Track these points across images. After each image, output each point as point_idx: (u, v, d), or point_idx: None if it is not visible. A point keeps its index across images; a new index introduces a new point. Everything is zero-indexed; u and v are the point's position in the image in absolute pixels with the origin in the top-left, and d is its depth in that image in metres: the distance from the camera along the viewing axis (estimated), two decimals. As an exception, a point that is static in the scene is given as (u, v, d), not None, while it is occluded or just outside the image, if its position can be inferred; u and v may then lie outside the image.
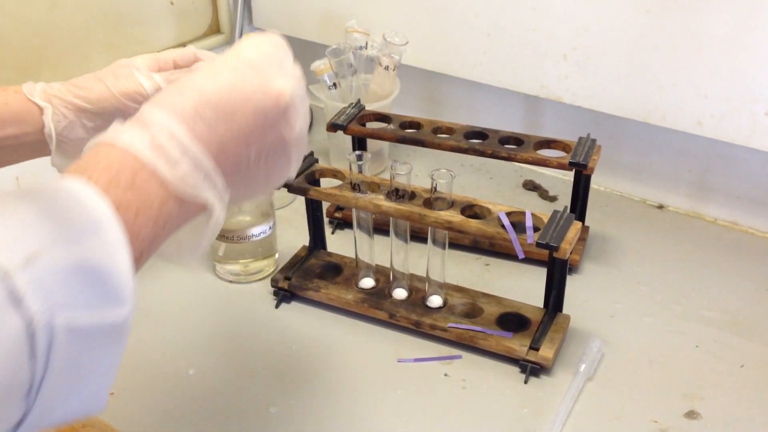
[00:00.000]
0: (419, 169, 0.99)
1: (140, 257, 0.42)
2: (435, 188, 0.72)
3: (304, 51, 1.17)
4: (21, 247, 0.35)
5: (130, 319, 0.40)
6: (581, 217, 0.86)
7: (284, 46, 0.51)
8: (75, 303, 0.36)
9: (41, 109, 0.61)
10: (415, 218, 0.72)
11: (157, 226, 0.43)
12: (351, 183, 0.76)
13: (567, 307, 0.76)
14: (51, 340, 0.35)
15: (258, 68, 0.47)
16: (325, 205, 0.89)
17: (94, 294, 0.37)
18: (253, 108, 0.46)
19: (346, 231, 0.93)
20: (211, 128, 0.45)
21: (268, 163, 0.49)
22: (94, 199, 0.39)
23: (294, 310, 0.81)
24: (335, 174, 0.80)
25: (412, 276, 0.80)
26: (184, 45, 1.16)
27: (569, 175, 0.95)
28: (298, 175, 0.79)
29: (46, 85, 0.62)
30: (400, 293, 0.79)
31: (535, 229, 0.70)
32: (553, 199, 0.99)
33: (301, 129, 0.50)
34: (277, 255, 0.88)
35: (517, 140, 0.86)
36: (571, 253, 0.69)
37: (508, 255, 0.88)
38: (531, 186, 1.02)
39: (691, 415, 0.68)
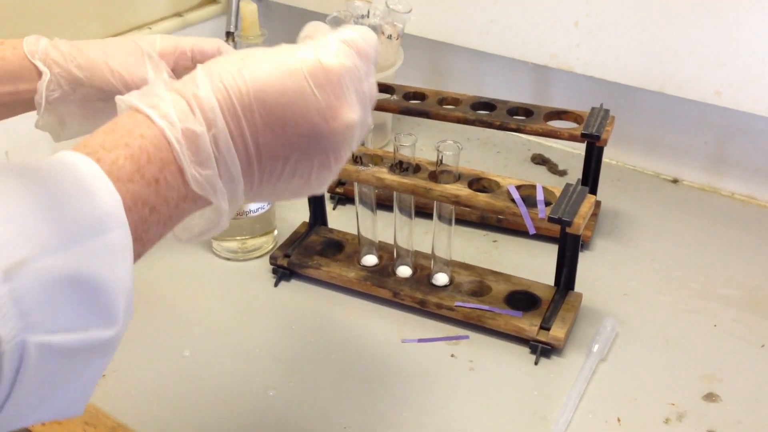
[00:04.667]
0: (423, 142, 0.95)
1: (140, 256, 0.39)
2: (441, 161, 0.69)
3: (304, 20, 1.13)
4: (5, 254, 0.31)
5: (120, 336, 0.36)
6: (593, 192, 0.83)
7: (371, 53, 0.44)
8: (56, 321, 0.33)
9: (40, 71, 0.56)
10: (420, 192, 0.69)
11: (167, 225, 0.40)
12: (353, 156, 0.72)
13: (579, 285, 0.73)
14: (20, 361, 0.31)
15: (332, 87, 0.41)
16: (326, 180, 0.86)
17: (82, 311, 0.34)
18: (308, 130, 0.41)
19: (348, 206, 0.90)
20: (254, 132, 0.40)
21: (302, 178, 0.44)
22: (107, 195, 0.35)
23: (294, 288, 0.78)
24: (336, 146, 0.76)
25: (416, 253, 0.77)
26: (180, 15, 1.13)
27: (579, 149, 0.92)
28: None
29: (50, 45, 0.57)
30: (404, 271, 0.76)
31: (547, 203, 0.67)
32: (562, 173, 0.96)
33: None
34: (275, 231, 0.85)
35: (527, 111, 0.82)
36: (582, 230, 0.66)
37: (517, 231, 0.84)
38: (540, 160, 0.98)
39: (710, 397, 0.65)
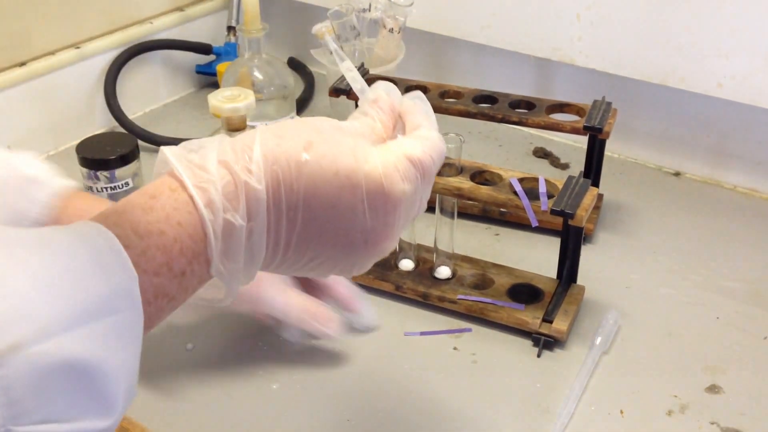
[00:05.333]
0: (425, 136, 0.96)
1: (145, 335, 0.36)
2: (443, 153, 0.69)
3: (305, 14, 1.13)
4: (3, 334, 0.28)
5: (117, 424, 0.33)
6: (595, 185, 0.83)
7: (435, 172, 0.42)
8: (47, 411, 0.29)
9: None
10: (422, 185, 0.69)
11: (176, 307, 0.37)
12: (355, 149, 0.72)
13: (581, 278, 0.73)
14: None
15: (385, 213, 0.39)
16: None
17: (77, 400, 0.30)
18: (344, 244, 0.39)
19: (350, 201, 0.90)
20: (290, 230, 0.38)
21: (319, 274, 0.41)
22: (121, 272, 0.33)
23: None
24: (338, 140, 0.76)
25: (419, 246, 0.77)
26: (181, 9, 1.12)
27: (581, 142, 0.92)
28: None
29: None
30: (406, 264, 0.76)
31: (549, 195, 0.67)
32: (565, 166, 0.96)
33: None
34: (278, 226, 0.84)
35: (529, 104, 0.82)
36: (585, 223, 0.66)
37: (519, 224, 0.84)
38: (542, 153, 0.98)
39: (712, 389, 0.65)
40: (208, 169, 0.37)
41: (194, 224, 0.36)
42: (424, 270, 0.75)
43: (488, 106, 0.82)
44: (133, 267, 0.33)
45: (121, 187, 0.86)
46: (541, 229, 0.83)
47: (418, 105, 0.45)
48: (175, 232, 0.35)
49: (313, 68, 1.17)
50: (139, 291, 0.33)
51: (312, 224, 0.38)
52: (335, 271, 0.41)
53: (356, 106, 0.89)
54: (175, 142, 0.99)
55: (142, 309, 0.33)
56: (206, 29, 1.15)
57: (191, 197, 0.36)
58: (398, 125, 0.44)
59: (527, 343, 0.69)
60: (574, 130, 0.78)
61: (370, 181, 0.38)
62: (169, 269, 0.35)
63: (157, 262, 0.35)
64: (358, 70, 0.89)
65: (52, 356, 0.29)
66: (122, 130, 1.00)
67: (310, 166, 0.37)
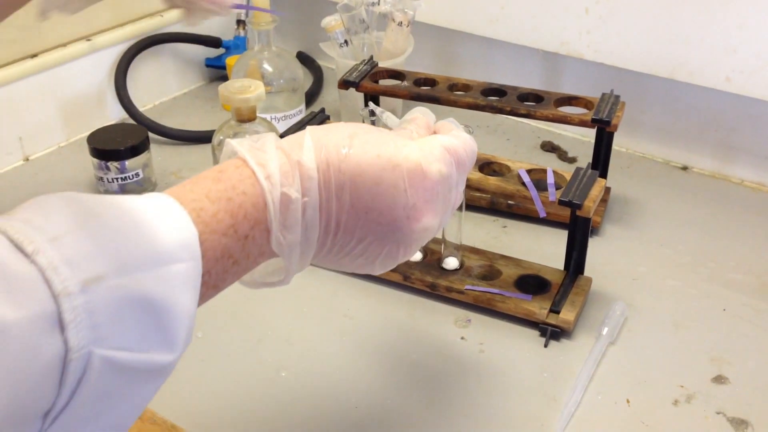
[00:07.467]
0: (434, 129, 0.96)
1: (208, 299, 0.41)
2: (452, 144, 0.69)
3: (314, 7, 1.13)
4: (85, 268, 0.32)
5: (175, 363, 0.37)
6: (603, 178, 0.83)
7: (468, 165, 0.47)
8: (122, 338, 0.34)
9: None
10: (430, 176, 0.69)
11: (240, 276, 0.42)
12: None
13: (588, 270, 0.73)
14: (84, 372, 0.33)
15: (424, 190, 0.44)
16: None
17: (147, 332, 0.35)
18: (389, 221, 0.44)
19: (359, 193, 0.90)
20: (339, 209, 0.43)
21: (368, 260, 0.46)
22: (186, 229, 0.37)
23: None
24: (347, 131, 0.77)
25: (427, 237, 0.77)
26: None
27: (589, 136, 0.92)
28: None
29: None
30: (415, 255, 0.76)
31: (557, 187, 0.67)
32: (572, 160, 0.96)
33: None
34: (287, 217, 0.85)
35: (537, 97, 0.82)
36: (593, 214, 0.66)
37: (527, 217, 0.85)
38: (549, 147, 0.99)
39: (719, 379, 0.65)
40: (267, 151, 0.42)
41: (256, 194, 0.41)
42: (432, 261, 0.76)
43: (497, 98, 0.83)
44: (203, 225, 0.38)
45: (131, 177, 0.87)
46: (549, 222, 0.83)
47: (450, 122, 0.50)
48: (240, 200, 0.40)
49: (321, 62, 1.18)
50: (198, 246, 0.37)
51: (359, 203, 0.43)
52: (383, 253, 0.45)
53: (365, 99, 0.89)
54: (185, 134, 1.00)
55: (201, 262, 0.37)
56: (216, 22, 1.16)
57: (253, 172, 0.41)
58: None
59: (534, 333, 0.70)
60: (582, 123, 0.78)
61: (409, 161, 0.43)
62: (235, 231, 0.40)
63: (226, 224, 0.39)
64: (368, 62, 0.90)
65: (129, 290, 0.34)
66: (133, 121, 1.01)
67: (355, 149, 0.43)
